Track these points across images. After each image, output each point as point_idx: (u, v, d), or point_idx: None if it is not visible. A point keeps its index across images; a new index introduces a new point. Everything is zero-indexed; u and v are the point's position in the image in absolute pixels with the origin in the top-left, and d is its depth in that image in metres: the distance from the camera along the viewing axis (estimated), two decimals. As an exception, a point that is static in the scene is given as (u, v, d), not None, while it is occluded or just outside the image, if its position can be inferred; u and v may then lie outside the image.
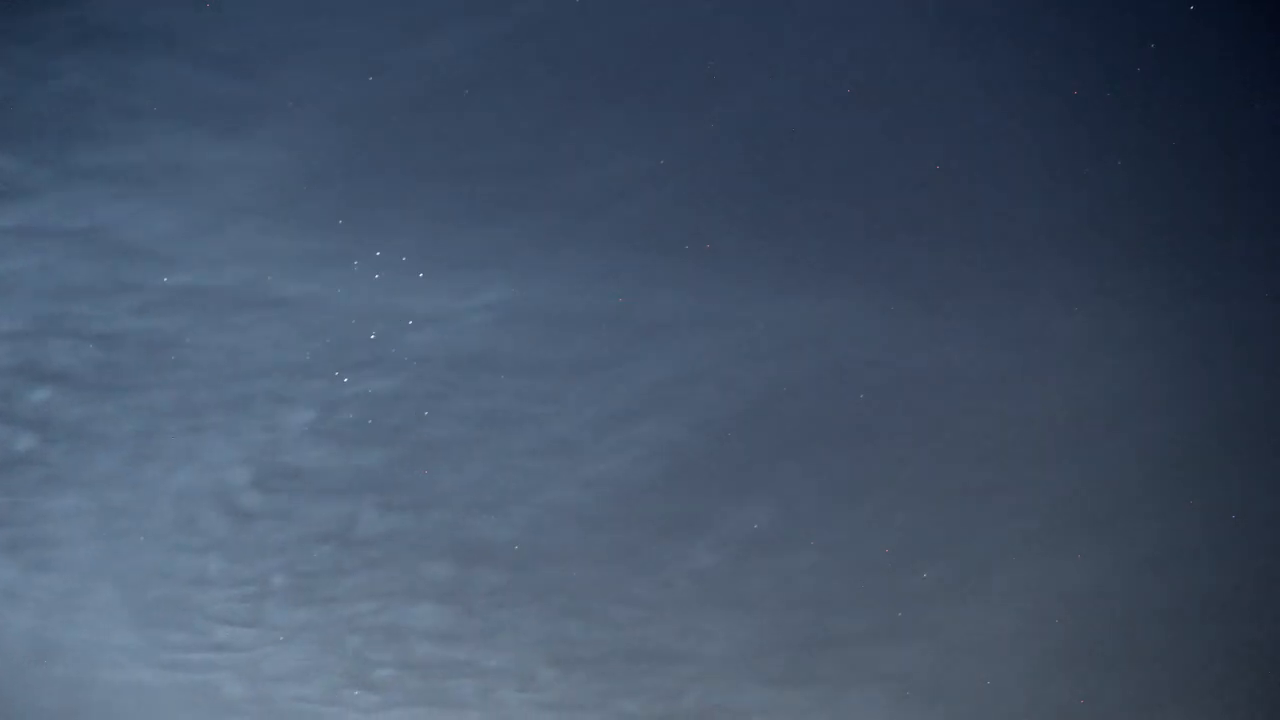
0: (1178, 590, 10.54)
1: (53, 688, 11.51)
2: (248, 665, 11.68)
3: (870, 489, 10.97)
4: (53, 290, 11.33)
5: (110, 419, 11.52)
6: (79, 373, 11.41)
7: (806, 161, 11.00)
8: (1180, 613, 10.55)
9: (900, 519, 10.88)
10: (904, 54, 10.76)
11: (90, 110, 11.10)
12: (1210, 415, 10.53)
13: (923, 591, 10.78)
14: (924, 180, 10.80)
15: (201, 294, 11.47)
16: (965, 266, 10.89)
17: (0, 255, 11.25)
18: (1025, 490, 10.74)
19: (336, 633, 11.67)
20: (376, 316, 11.51)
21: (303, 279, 11.44)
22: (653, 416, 11.27)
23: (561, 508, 11.35)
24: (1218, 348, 10.52)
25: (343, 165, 11.31)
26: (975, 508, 10.81)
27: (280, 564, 11.68)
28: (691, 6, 10.94)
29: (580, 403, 11.37)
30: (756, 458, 11.10)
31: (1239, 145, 10.24)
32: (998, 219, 10.76)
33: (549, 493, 11.38)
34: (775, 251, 11.12)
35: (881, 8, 10.77)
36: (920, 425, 10.93)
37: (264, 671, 11.70)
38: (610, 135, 11.15)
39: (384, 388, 11.57)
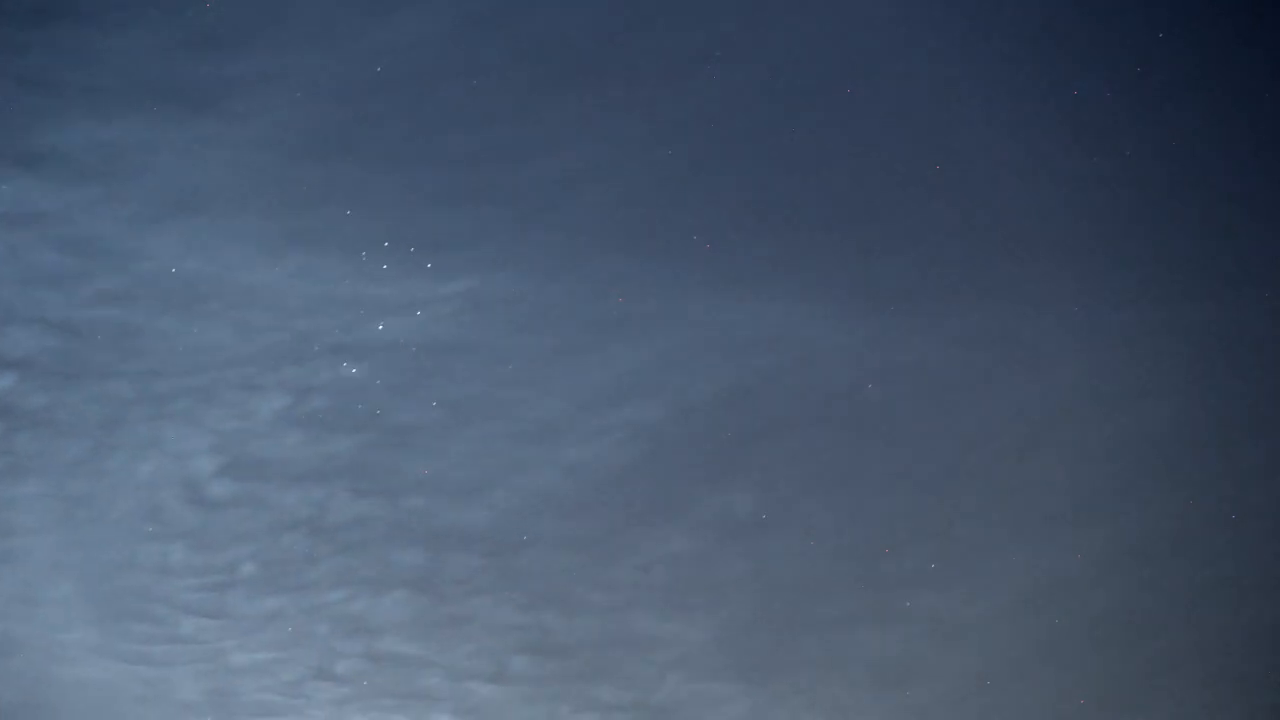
0: (1160, 578, 10.39)
1: (11, 682, 11.20)
2: (212, 657, 11.39)
3: (851, 475, 10.76)
4: (15, 277, 11.09)
5: (74, 407, 11.28)
6: (42, 360, 11.17)
7: (787, 150, 10.85)
8: (1163, 601, 10.38)
9: (882, 505, 10.65)
10: (876, 46, 10.65)
11: (53, 91, 10.90)
12: (1196, 406, 10.39)
13: (904, 577, 10.56)
14: (902, 172, 10.70)
15: (168, 280, 11.25)
16: (945, 262, 10.75)
17: (-39, 240, 11.07)
18: (1008, 478, 10.53)
19: (304, 622, 11.38)
20: (347, 303, 11.30)
21: (271, 265, 11.23)
22: (630, 403, 11.04)
23: (537, 494, 11.10)
24: (1199, 341, 10.43)
25: (311, 150, 11.13)
26: (957, 495, 10.60)
27: (248, 553, 11.40)
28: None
29: (556, 389, 11.15)
30: (735, 444, 10.88)
31: (1232, 146, 10.21)
32: (973, 215, 10.63)
33: (524, 479, 11.14)
34: (754, 241, 10.95)
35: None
36: (902, 413, 10.74)
37: (228, 664, 11.40)
38: (585, 119, 10.99)
39: (355, 374, 11.34)
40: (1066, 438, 10.63)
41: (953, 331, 10.68)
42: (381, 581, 11.34)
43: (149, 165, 11.15)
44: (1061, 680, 10.40)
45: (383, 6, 11.07)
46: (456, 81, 11.12)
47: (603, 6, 10.94)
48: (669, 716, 10.86)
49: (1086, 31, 10.32)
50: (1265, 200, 10.24)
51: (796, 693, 10.70)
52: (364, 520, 11.34)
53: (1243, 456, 10.37)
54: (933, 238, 10.77)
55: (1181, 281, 10.41)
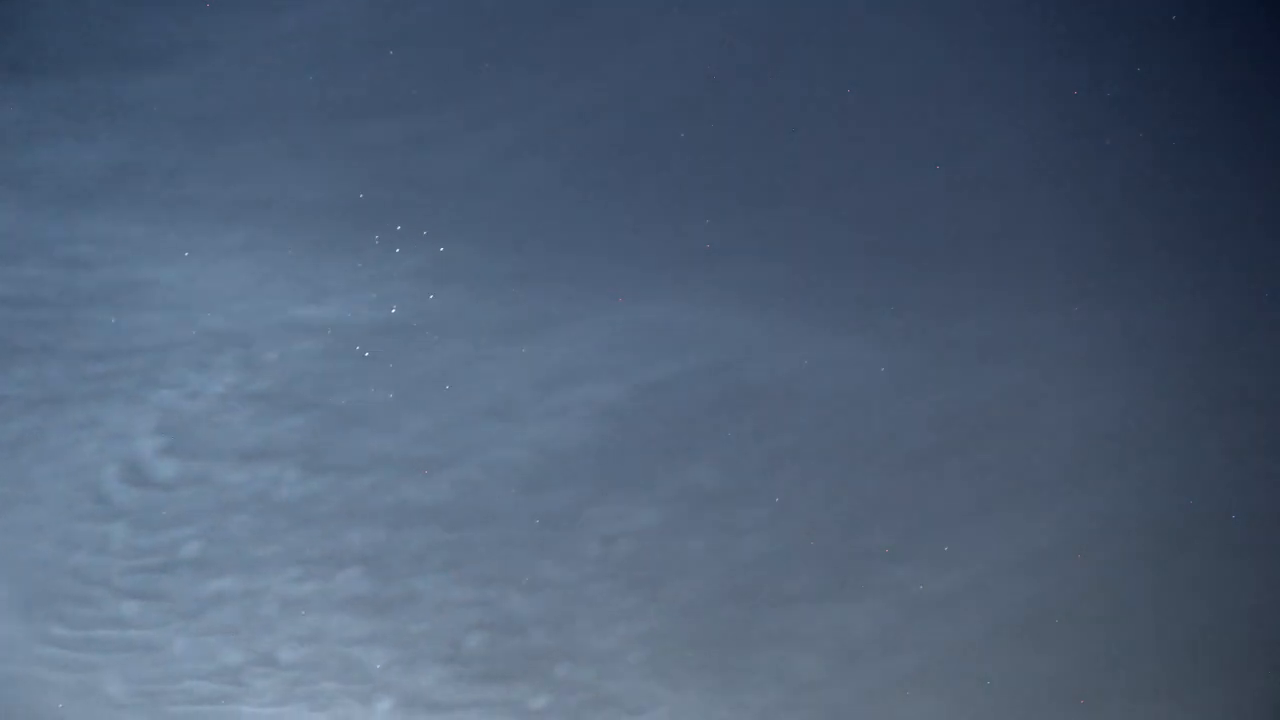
0: (1136, 554, 10.15)
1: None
2: (150, 643, 10.83)
3: (820, 450, 10.50)
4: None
5: (8, 389, 10.88)
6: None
7: (756, 125, 10.80)
8: (1136, 577, 10.14)
9: (852, 479, 10.39)
10: (826, 29, 10.62)
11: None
12: (1172, 389, 10.29)
13: (873, 552, 10.26)
14: (856, 153, 10.62)
15: (105, 260, 10.94)
16: (923, 251, 10.67)
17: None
18: (978, 454, 10.34)
19: (250, 604, 10.88)
20: (297, 281, 11.00)
21: (215, 240, 10.94)
22: (589, 381, 10.78)
23: (496, 470, 10.75)
24: (1178, 329, 10.34)
25: (250, 121, 10.91)
26: (926, 471, 10.38)
27: (192, 533, 10.93)
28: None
29: (512, 367, 10.86)
30: (700, 419, 10.61)
31: (1233, 145, 10.23)
32: (962, 209, 10.57)
33: (482, 456, 10.79)
34: (718, 220, 10.81)
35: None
36: (872, 390, 10.56)
37: (168, 650, 10.85)
38: (530, 88, 10.83)
39: (306, 350, 11.01)
40: (1036, 416, 10.46)
41: (933, 312, 10.54)
42: (332, 560, 10.88)
43: (94, 127, 10.94)
44: (1032, 655, 10.07)
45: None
46: (389, 57, 10.98)
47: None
48: (630, 693, 10.40)
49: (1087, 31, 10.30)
50: (1266, 200, 10.15)
51: (763, 668, 10.29)
52: (314, 498, 10.92)
53: (1213, 437, 10.25)
54: (909, 228, 10.66)
55: (1166, 278, 10.35)
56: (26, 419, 11.00)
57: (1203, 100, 10.33)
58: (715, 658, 10.29)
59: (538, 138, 10.89)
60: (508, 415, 10.82)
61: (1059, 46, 10.49)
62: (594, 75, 10.90)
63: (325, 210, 10.98)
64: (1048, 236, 10.60)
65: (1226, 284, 10.32)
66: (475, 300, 10.92)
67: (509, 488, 10.72)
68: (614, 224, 10.87)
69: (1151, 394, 10.37)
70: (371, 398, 10.96)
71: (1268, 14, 10.27)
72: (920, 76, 10.70)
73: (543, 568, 10.61)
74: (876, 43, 10.78)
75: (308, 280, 10.99)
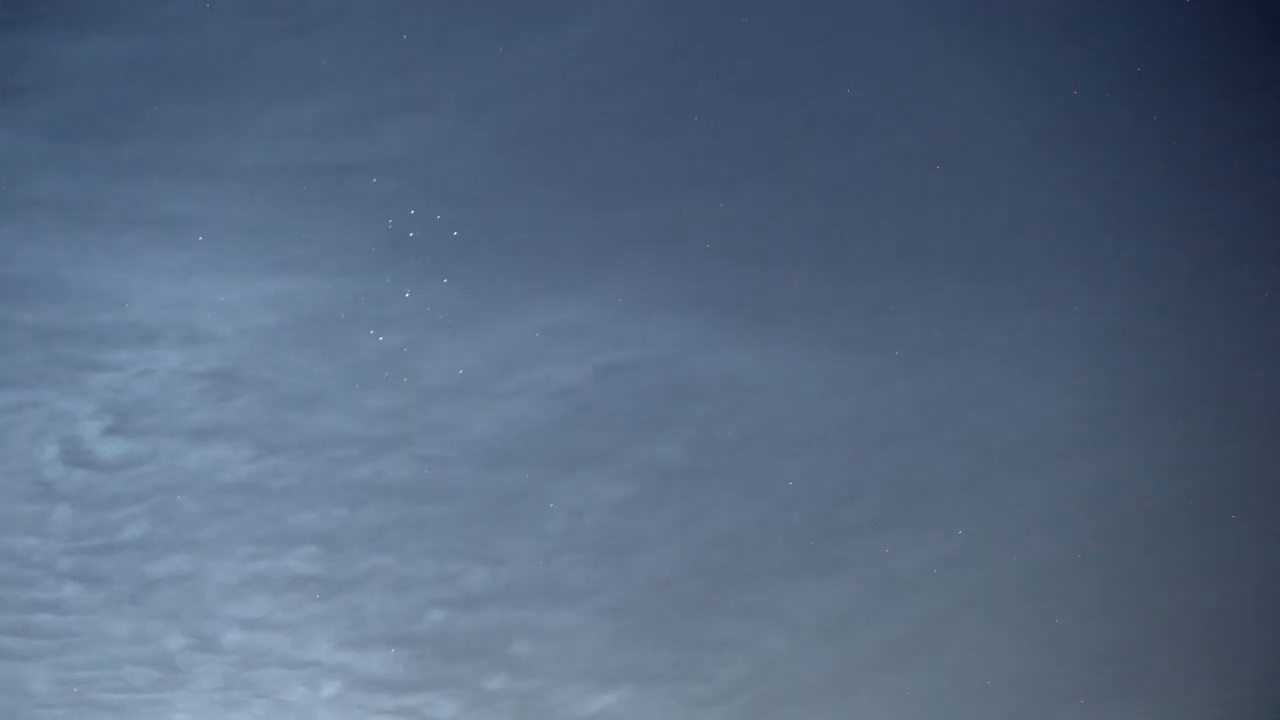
0: (1110, 528, 9.94)
1: None
2: (89, 627, 10.31)
3: (790, 425, 10.29)
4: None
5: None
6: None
7: (730, 106, 10.75)
8: (1110, 552, 9.93)
9: (825, 457, 10.16)
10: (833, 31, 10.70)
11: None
12: (1154, 368, 10.21)
13: (847, 527, 9.98)
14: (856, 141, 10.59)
15: (49, 226, 10.68)
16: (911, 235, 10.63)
17: None
18: (954, 430, 10.17)
19: (194, 585, 10.40)
20: (247, 259, 10.73)
21: (160, 209, 10.69)
22: (549, 362, 10.54)
23: (456, 448, 10.44)
24: (1165, 313, 10.31)
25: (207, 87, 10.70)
26: (900, 447, 10.17)
27: (136, 513, 10.50)
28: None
29: (472, 348, 10.62)
30: (663, 400, 10.40)
31: (1233, 145, 10.29)
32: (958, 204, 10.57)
33: (440, 435, 10.49)
34: (684, 199, 10.72)
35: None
36: (842, 366, 10.40)
37: (107, 635, 10.32)
38: (474, 63, 10.74)
39: (256, 327, 10.71)
40: (1010, 392, 10.31)
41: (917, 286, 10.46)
42: (284, 540, 10.45)
43: (28, 99, 10.70)
44: (1004, 630, 9.77)
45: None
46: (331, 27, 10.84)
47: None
48: (593, 670, 9.93)
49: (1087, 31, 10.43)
50: (1265, 199, 10.23)
51: (731, 643, 9.87)
52: (267, 478, 10.54)
53: (1195, 415, 10.14)
54: (873, 227, 10.65)
55: (1116, 278, 10.37)
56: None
57: (1182, 104, 10.43)
58: (683, 632, 9.89)
59: (484, 115, 10.74)
60: (465, 395, 10.55)
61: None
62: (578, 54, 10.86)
63: (275, 186, 10.75)
64: (1006, 240, 10.59)
65: (1170, 283, 10.32)
66: (428, 280, 10.69)
67: (469, 465, 10.41)
68: (580, 206, 10.76)
69: (1104, 387, 10.27)
70: (325, 376, 10.66)
71: (1268, 13, 10.36)
72: (910, 75, 10.74)
73: (504, 544, 10.23)
74: (850, 39, 10.85)
75: (259, 257, 10.71)
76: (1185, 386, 10.15)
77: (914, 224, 10.56)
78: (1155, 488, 10.01)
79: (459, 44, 10.71)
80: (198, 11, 10.59)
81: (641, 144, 10.71)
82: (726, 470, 10.22)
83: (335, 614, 10.30)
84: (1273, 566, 9.76)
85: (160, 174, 10.64)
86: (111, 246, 10.63)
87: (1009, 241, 10.54)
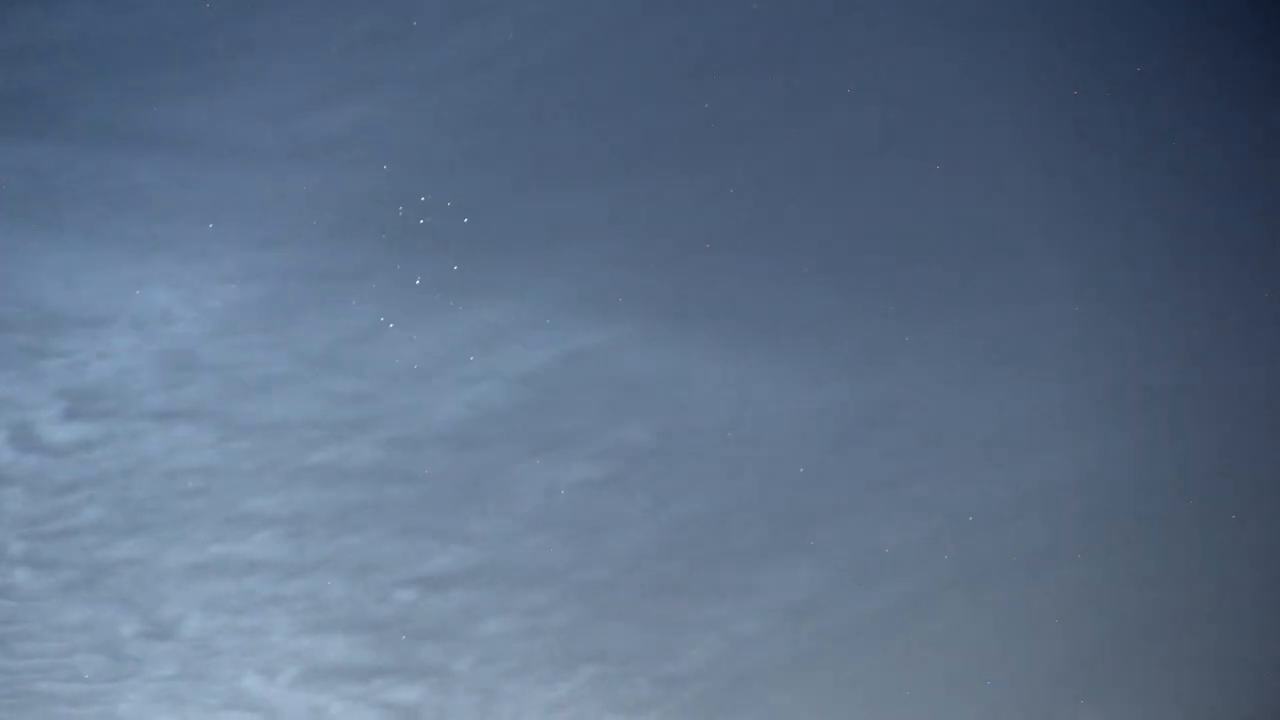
0: (1080, 511, 9.89)
1: None
2: (39, 615, 9.95)
3: (761, 404, 10.21)
4: None
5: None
6: None
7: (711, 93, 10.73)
8: (1086, 535, 9.86)
9: (796, 437, 10.08)
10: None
11: None
12: (1155, 359, 10.24)
13: (819, 510, 9.86)
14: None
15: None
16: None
17: None
18: (932, 411, 10.12)
19: (146, 573, 10.08)
20: (201, 244, 10.56)
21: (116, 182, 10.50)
22: (511, 348, 10.41)
23: (421, 431, 10.26)
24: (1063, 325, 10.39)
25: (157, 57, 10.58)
26: (873, 428, 10.10)
27: (92, 497, 10.21)
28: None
29: (439, 329, 10.47)
30: (634, 384, 10.29)
31: (1234, 145, 10.39)
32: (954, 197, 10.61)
33: (403, 419, 10.30)
34: (654, 179, 10.68)
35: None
36: (815, 344, 10.37)
37: (58, 623, 9.95)
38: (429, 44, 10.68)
39: (215, 308, 10.51)
40: (987, 377, 10.27)
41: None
42: (246, 523, 10.18)
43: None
44: (976, 611, 9.64)
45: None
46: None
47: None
48: (562, 650, 9.66)
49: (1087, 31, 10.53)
50: (1266, 199, 10.33)
51: (704, 623, 9.66)
52: (229, 460, 10.30)
53: (1171, 399, 10.15)
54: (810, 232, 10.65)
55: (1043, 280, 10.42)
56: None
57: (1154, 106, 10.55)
58: (654, 612, 9.67)
59: (441, 97, 10.63)
60: (429, 379, 10.39)
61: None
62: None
63: (232, 164, 10.59)
64: (1001, 236, 10.60)
65: (1169, 282, 10.38)
66: (390, 263, 10.55)
67: (436, 448, 10.22)
68: (524, 195, 10.66)
69: (1038, 389, 10.25)
70: (285, 360, 10.46)
71: (1268, 13, 10.39)
72: (903, 74, 10.77)
73: (472, 525, 10.01)
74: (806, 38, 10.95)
75: (217, 236, 10.51)
76: (1184, 385, 10.13)
77: (914, 224, 10.55)
78: (1151, 466, 9.95)
79: (418, 26, 10.71)
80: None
81: (603, 125, 10.71)
82: (697, 454, 10.10)
83: (296, 598, 10.01)
84: (1273, 566, 9.69)
85: (111, 150, 10.50)
86: (59, 224, 10.45)
87: (1006, 238, 10.53)
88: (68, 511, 10.21)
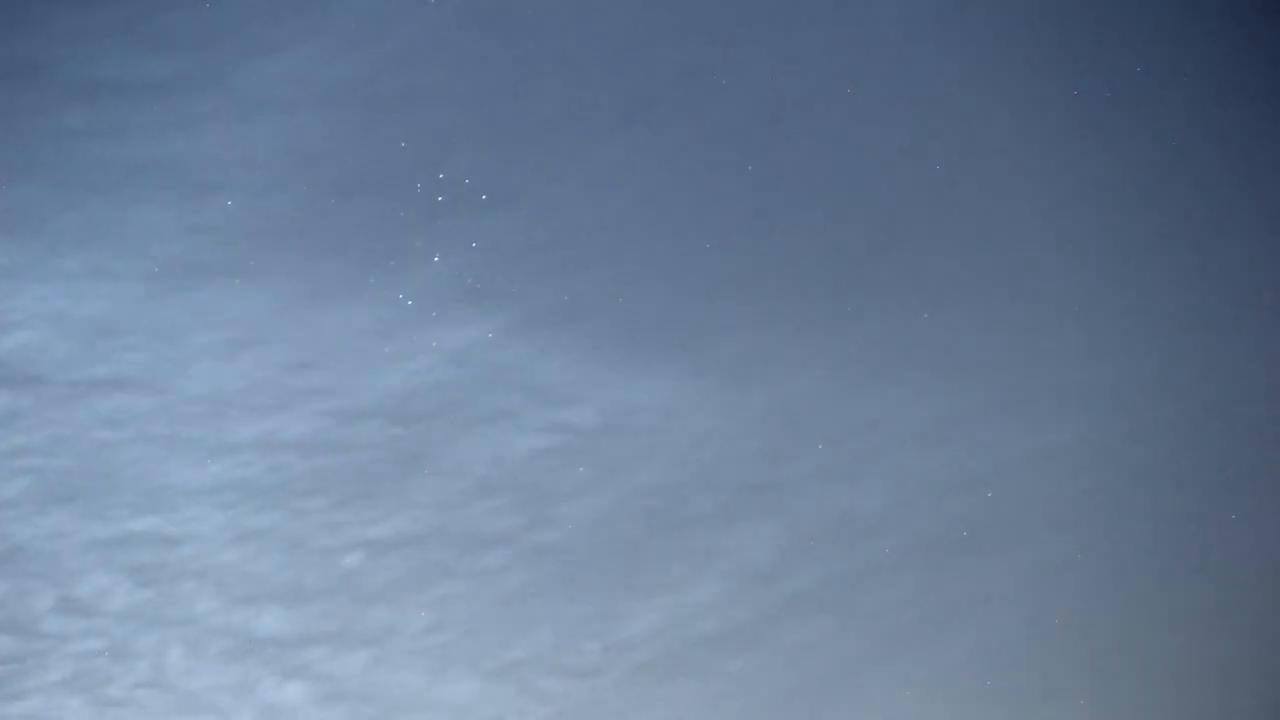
0: (1054, 481, 9.88)
1: None
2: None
3: (724, 374, 10.12)
4: None
5: None
6: None
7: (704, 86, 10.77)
8: (1064, 504, 9.83)
9: (766, 407, 9.96)
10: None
11: None
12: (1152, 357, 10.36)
13: (782, 477, 9.74)
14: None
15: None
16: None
17: None
18: (910, 376, 10.11)
19: (65, 545, 9.55)
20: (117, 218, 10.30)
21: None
22: (454, 319, 10.23)
23: (352, 408, 9.98)
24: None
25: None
26: (847, 397, 10.06)
27: (7, 471, 9.70)
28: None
29: (349, 316, 10.27)
30: (588, 353, 10.16)
31: (1234, 145, 10.47)
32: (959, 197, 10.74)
33: (334, 398, 10.01)
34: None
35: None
36: (794, 306, 10.33)
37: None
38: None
39: (128, 288, 10.18)
40: (971, 344, 10.27)
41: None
42: (177, 494, 9.72)
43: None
44: (947, 575, 9.54)
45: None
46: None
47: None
48: (514, 618, 9.30)
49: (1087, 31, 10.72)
50: (1266, 198, 10.44)
51: (658, 587, 9.40)
52: (161, 428, 9.89)
53: (1152, 363, 10.24)
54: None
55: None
56: None
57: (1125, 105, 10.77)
58: (606, 577, 9.40)
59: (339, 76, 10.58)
60: (357, 356, 10.14)
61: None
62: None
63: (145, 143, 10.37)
64: (1004, 236, 10.68)
65: (1168, 280, 10.50)
66: (304, 246, 10.36)
67: (375, 420, 9.94)
68: (487, 143, 10.57)
69: (969, 388, 10.33)
70: (211, 335, 10.14)
71: (1268, 13, 10.46)
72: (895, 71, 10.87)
73: (411, 492, 9.70)
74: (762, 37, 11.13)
75: (139, 210, 10.23)
76: (1182, 382, 10.21)
77: (915, 222, 10.63)
78: (1134, 438, 9.97)
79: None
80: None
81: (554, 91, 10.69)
82: (648, 431, 9.98)
83: (226, 570, 9.54)
84: (1272, 564, 9.71)
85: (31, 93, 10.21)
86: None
87: (1006, 238, 10.62)
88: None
